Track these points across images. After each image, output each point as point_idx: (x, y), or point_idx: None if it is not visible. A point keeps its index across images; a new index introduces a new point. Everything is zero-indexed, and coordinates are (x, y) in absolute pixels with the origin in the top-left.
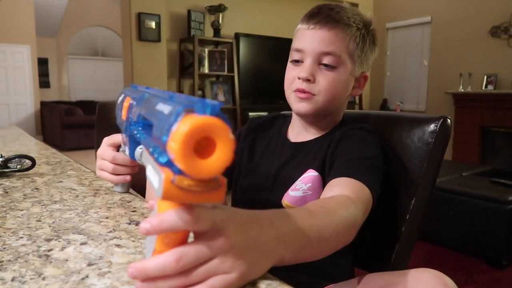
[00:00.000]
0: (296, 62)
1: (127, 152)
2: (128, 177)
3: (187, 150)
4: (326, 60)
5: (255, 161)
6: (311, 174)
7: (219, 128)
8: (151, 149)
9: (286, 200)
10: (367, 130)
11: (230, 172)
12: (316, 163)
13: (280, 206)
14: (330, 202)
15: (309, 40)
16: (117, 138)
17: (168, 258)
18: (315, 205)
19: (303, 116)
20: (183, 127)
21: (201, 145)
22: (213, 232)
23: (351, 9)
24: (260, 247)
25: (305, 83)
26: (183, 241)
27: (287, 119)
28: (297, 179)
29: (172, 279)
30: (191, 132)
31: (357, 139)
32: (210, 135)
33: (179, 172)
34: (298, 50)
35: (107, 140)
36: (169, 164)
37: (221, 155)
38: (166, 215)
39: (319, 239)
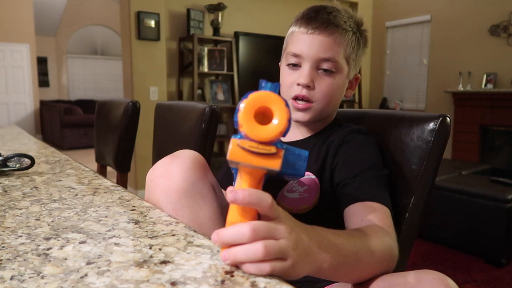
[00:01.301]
0: (293, 66)
1: None
2: None
3: (247, 116)
4: (325, 65)
5: None
6: (307, 176)
7: (273, 99)
8: None
9: (282, 201)
10: (363, 132)
11: (227, 179)
12: (313, 166)
13: None
14: (366, 230)
15: (307, 45)
16: None
17: (243, 228)
18: (351, 230)
19: (300, 123)
20: (245, 100)
21: (264, 117)
22: (277, 220)
23: (344, 10)
24: (305, 248)
25: (305, 89)
26: (254, 219)
27: None
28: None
29: (249, 251)
30: (249, 102)
31: (357, 144)
32: (267, 104)
33: (244, 137)
34: (296, 55)
35: None
36: (237, 137)
37: (277, 121)
38: (254, 191)
39: (356, 257)
